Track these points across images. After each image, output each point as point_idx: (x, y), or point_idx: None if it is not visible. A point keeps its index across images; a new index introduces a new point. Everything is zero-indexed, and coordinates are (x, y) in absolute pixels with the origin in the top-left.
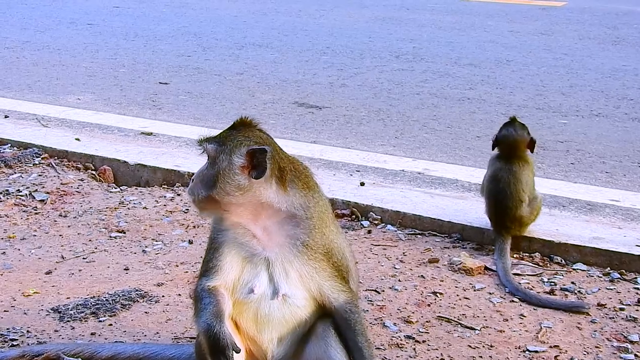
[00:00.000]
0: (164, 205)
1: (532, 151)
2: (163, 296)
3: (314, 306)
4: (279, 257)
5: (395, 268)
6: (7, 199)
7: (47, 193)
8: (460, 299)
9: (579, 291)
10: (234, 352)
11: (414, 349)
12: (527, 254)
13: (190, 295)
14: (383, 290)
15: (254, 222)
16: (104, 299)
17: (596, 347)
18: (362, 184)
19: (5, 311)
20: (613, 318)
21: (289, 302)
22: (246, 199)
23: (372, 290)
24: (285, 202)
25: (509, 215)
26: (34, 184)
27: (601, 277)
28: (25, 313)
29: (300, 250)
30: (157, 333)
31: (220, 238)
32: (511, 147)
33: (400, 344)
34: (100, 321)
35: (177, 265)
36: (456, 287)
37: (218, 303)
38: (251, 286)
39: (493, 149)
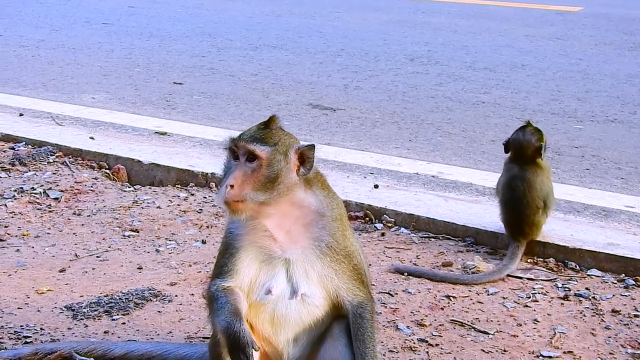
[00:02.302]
0: (178, 204)
1: (539, 157)
2: (176, 296)
3: (331, 306)
4: (301, 258)
5: None
6: (22, 196)
7: (61, 191)
8: (473, 303)
9: (593, 297)
10: (253, 350)
11: (427, 352)
12: (541, 259)
13: (203, 295)
14: (396, 293)
15: (280, 224)
16: (117, 298)
17: (610, 353)
18: (376, 186)
19: (19, 308)
20: (628, 325)
21: (307, 301)
22: (288, 198)
23: (386, 292)
24: (314, 201)
25: (527, 223)
26: (48, 182)
27: (616, 283)
28: (38, 311)
29: (324, 252)
30: (170, 332)
31: (237, 243)
32: (520, 151)
33: (414, 347)
34: (114, 320)
35: (191, 265)
36: (469, 291)
37: (235, 302)
38: (268, 287)
39: (506, 152)
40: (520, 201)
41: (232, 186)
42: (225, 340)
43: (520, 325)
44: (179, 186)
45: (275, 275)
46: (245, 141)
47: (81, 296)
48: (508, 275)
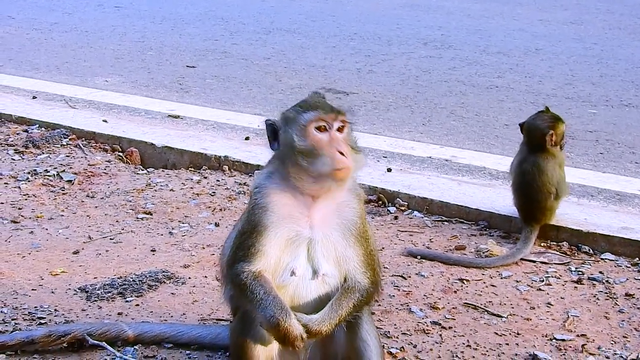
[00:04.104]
0: (191, 187)
1: (549, 145)
2: (189, 278)
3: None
4: (325, 237)
5: None
6: (35, 179)
7: (75, 174)
8: (486, 287)
9: (606, 281)
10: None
11: (440, 335)
12: (554, 243)
13: (217, 277)
14: (409, 276)
15: (322, 201)
16: (131, 280)
17: (624, 336)
18: (389, 170)
19: (33, 290)
20: None
21: (327, 281)
22: None
23: (399, 275)
24: (349, 183)
25: (538, 208)
26: (61, 164)
27: (629, 267)
28: (52, 292)
29: (351, 232)
30: (184, 314)
31: (266, 220)
32: (529, 136)
33: (427, 329)
34: (127, 301)
35: (204, 248)
36: (483, 274)
37: (275, 292)
38: (292, 268)
39: (522, 133)
40: (530, 186)
41: (343, 154)
42: (274, 335)
43: (534, 308)
44: (192, 169)
45: (298, 255)
46: (342, 113)
47: (95, 278)
48: (521, 259)
